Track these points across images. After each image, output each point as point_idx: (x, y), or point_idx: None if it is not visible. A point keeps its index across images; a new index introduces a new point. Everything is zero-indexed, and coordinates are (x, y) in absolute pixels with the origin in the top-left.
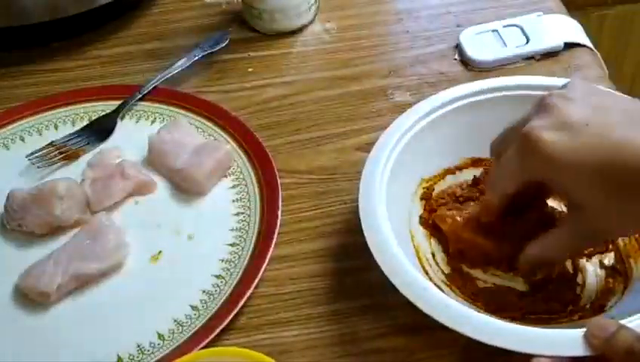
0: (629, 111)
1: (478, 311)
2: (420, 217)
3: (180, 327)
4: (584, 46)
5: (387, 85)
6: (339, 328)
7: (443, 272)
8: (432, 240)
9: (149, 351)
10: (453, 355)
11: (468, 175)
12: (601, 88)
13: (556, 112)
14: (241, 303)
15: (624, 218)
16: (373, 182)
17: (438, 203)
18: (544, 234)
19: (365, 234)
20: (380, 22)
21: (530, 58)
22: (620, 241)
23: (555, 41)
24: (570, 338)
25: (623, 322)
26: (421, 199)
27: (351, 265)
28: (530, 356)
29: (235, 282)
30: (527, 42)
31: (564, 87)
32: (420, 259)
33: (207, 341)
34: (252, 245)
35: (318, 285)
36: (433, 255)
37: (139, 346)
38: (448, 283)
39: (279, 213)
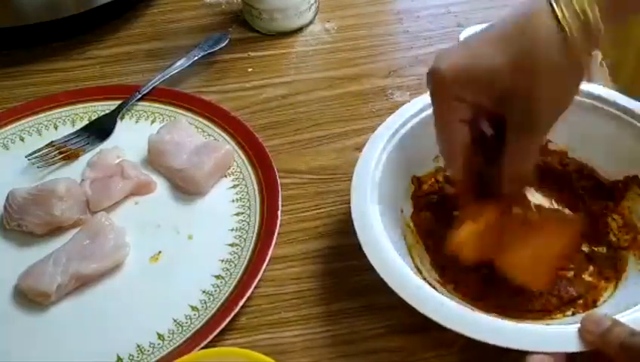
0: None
1: (472, 309)
2: (411, 217)
3: (180, 327)
4: None
5: (387, 85)
6: (339, 328)
7: (436, 271)
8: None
9: (148, 351)
10: (453, 355)
11: None
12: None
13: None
14: (241, 303)
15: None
16: (364, 182)
17: (427, 201)
18: (504, 149)
19: (358, 234)
20: (380, 22)
21: None
22: (612, 236)
23: None
24: (564, 335)
25: (616, 317)
26: (412, 198)
27: (351, 265)
28: (525, 353)
29: (235, 282)
30: None
31: None
32: (412, 257)
33: (207, 341)
34: (252, 245)
35: (318, 285)
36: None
37: (139, 346)
38: (442, 281)
39: (279, 213)
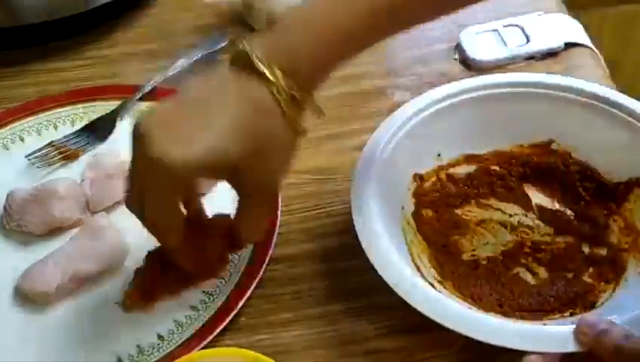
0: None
1: (471, 308)
2: (412, 214)
3: (180, 327)
4: (584, 46)
5: (387, 85)
6: (339, 328)
7: (436, 269)
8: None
9: (148, 351)
10: (453, 355)
11: (460, 171)
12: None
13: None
14: (241, 303)
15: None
16: (364, 182)
17: (429, 199)
18: (239, 215)
19: (358, 234)
20: None
21: (530, 58)
22: (613, 238)
23: (556, 41)
24: (560, 335)
25: (612, 319)
26: (413, 195)
27: (351, 265)
28: (524, 353)
29: (234, 282)
30: (528, 42)
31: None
32: (412, 256)
33: (207, 341)
34: (252, 245)
35: (318, 285)
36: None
37: (138, 346)
38: (441, 280)
39: (279, 213)
